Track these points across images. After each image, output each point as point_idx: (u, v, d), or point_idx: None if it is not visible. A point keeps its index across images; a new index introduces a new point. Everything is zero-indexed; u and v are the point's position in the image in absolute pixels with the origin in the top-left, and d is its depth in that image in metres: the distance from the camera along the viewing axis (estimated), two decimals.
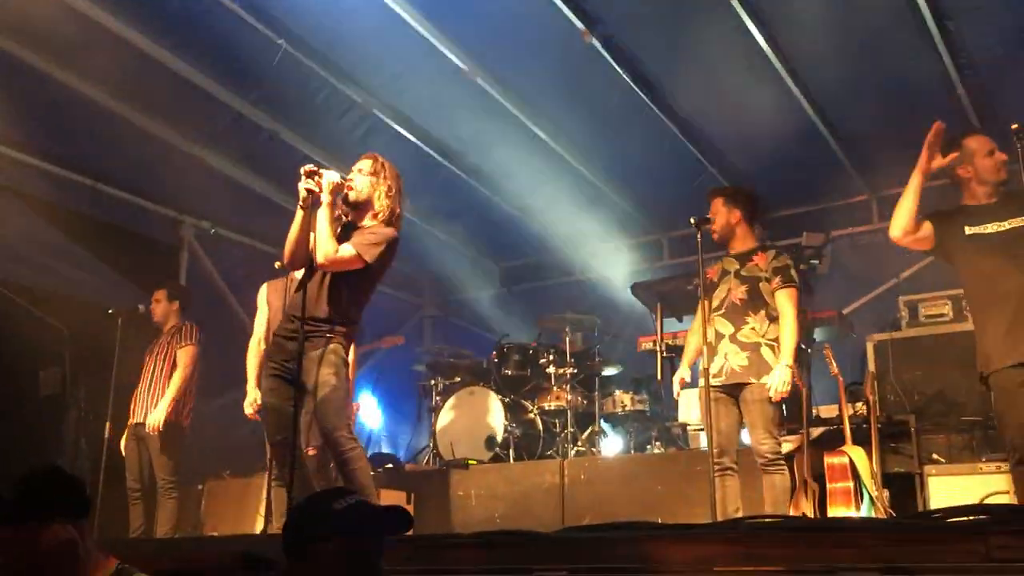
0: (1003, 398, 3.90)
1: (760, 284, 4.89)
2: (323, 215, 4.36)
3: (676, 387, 5.26)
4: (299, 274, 4.64)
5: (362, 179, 4.55)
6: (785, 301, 4.83)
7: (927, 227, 4.19)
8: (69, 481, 2.59)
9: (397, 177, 4.61)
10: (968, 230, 4.12)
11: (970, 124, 6.58)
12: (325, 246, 4.31)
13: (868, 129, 7.01)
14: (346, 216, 4.61)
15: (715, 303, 4.97)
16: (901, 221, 4.14)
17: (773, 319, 4.85)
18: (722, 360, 4.83)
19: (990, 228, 4.07)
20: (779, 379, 4.67)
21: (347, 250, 4.35)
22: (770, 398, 4.67)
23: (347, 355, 4.48)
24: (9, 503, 2.46)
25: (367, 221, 4.57)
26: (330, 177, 4.37)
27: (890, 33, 5.98)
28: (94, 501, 5.94)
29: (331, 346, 4.35)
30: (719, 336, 4.88)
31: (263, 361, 5.52)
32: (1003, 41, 5.86)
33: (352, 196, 4.52)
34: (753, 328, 4.84)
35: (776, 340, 4.80)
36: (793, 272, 4.92)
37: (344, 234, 4.52)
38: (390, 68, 6.67)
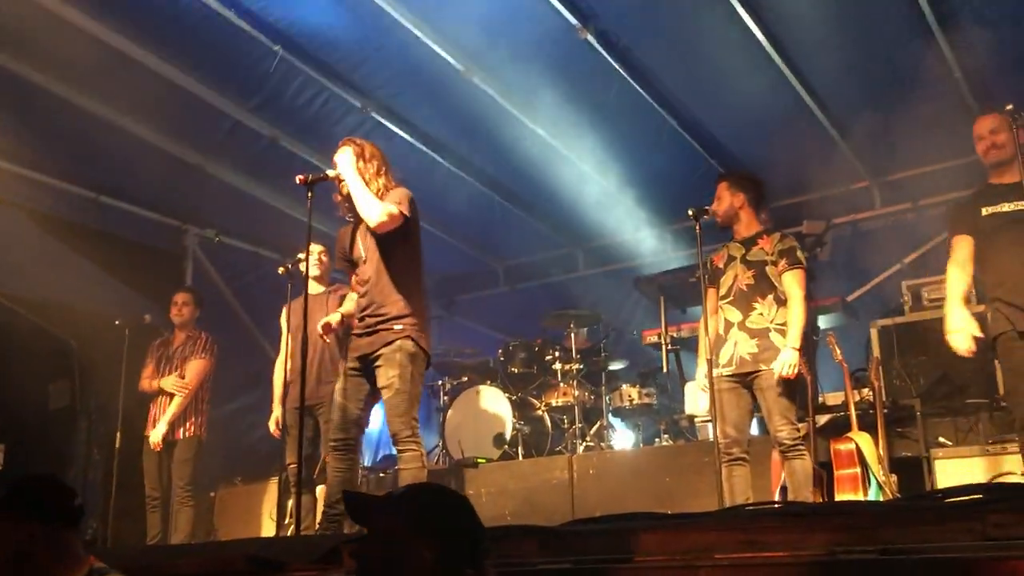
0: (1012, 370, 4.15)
1: (767, 268, 4.85)
2: (356, 183, 4.42)
3: (701, 389, 5.16)
4: (317, 289, 4.93)
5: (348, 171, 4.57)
6: (792, 283, 4.78)
7: (967, 243, 4.42)
8: (59, 488, 2.68)
9: (379, 154, 4.64)
10: (985, 211, 4.34)
11: (967, 106, 6.57)
12: (376, 208, 4.39)
13: (866, 115, 7.00)
14: (349, 215, 4.65)
15: (722, 291, 4.93)
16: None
17: (781, 303, 4.80)
18: (731, 349, 4.81)
19: (1006, 207, 4.30)
20: (783, 362, 4.62)
21: (389, 208, 4.41)
22: (784, 383, 4.66)
23: (418, 348, 4.43)
24: None
25: None
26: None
27: (885, 15, 5.96)
28: (107, 509, 6.11)
29: (398, 342, 4.36)
30: (728, 324, 4.85)
31: (287, 381, 5.59)
32: (1000, 18, 5.84)
33: (346, 189, 4.54)
34: (761, 314, 4.80)
35: (785, 324, 4.76)
36: (799, 254, 4.87)
37: (355, 227, 4.61)
38: (387, 70, 6.69)
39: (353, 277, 4.72)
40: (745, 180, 5.12)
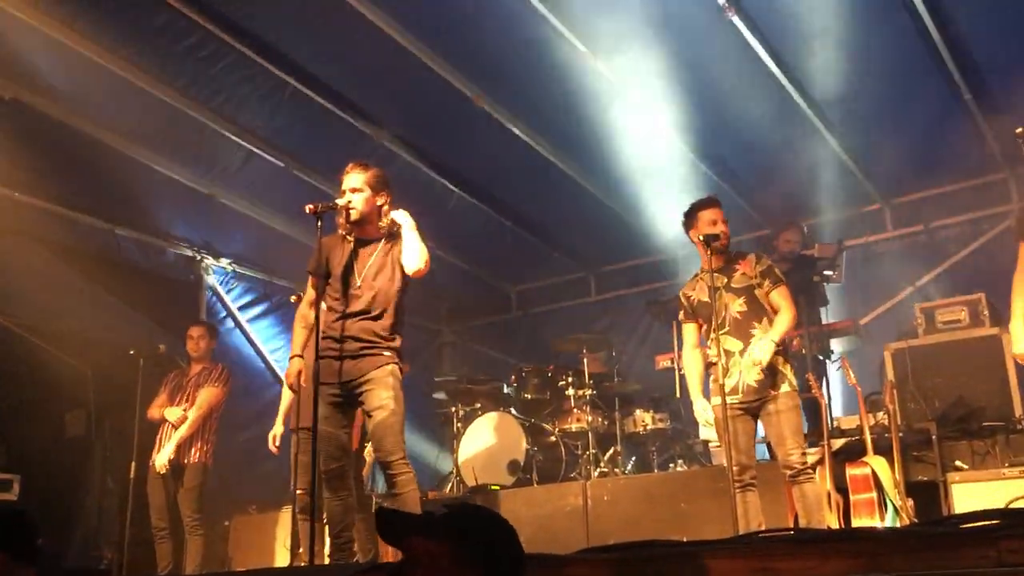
0: None
1: (755, 291, 4.88)
2: (414, 232, 4.47)
3: (703, 425, 5.14)
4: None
5: (359, 197, 4.53)
6: (782, 299, 4.85)
7: None
8: (30, 525, 2.72)
9: (387, 182, 4.62)
10: None
11: (977, 126, 6.57)
12: (423, 255, 4.43)
13: (876, 137, 7.01)
14: (349, 235, 4.60)
15: (717, 321, 4.87)
16: None
17: None
18: (736, 378, 4.80)
19: None
20: (759, 349, 4.63)
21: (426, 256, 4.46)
22: (792, 408, 4.67)
23: (402, 374, 4.43)
24: None
25: (373, 233, 4.59)
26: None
27: (893, 38, 5.98)
28: (122, 538, 6.12)
29: (390, 367, 4.33)
30: (728, 354, 4.82)
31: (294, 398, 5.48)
32: (1006, 45, 5.86)
33: (354, 216, 4.51)
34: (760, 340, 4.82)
35: (783, 347, 4.80)
36: (778, 271, 4.97)
37: (355, 250, 4.55)
38: (399, 99, 6.75)
39: (326, 288, 4.55)
40: None
